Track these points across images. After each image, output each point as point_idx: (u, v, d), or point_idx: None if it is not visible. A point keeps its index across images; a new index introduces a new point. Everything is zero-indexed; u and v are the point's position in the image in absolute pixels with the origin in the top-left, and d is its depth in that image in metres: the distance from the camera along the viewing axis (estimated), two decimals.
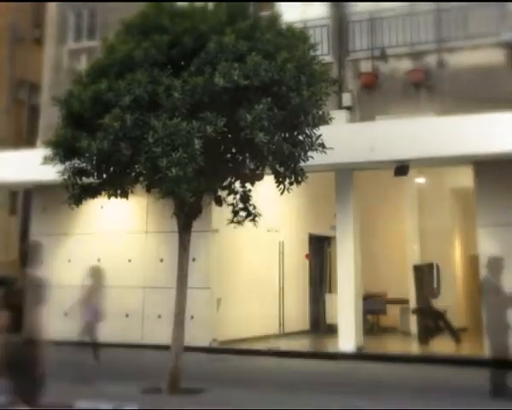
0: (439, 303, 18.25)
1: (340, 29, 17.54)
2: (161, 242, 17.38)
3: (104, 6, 20.07)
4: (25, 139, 21.29)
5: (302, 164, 11.75)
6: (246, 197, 12.03)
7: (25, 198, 21.12)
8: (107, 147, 10.79)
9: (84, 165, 11.64)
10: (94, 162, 11.39)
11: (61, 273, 18.05)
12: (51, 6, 21.47)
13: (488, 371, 11.39)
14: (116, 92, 10.92)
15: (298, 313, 20.67)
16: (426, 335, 17.60)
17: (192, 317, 15.88)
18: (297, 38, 11.78)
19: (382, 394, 11.75)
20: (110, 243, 18.36)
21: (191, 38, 11.21)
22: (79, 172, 11.90)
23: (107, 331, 17.08)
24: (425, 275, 18.30)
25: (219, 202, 12.18)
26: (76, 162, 11.72)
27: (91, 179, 12.03)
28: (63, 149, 11.54)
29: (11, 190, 21.93)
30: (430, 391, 12.06)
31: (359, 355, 15.81)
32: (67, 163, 11.79)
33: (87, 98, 11.18)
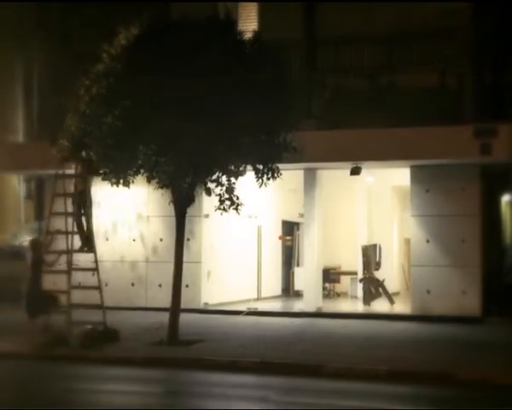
0: (379, 274, 17.57)
1: (311, 49, 16.33)
2: (161, 224, 15.93)
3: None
4: (36, 131, 18.91)
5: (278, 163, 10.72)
6: (230, 189, 10.72)
7: (37, 184, 19.01)
8: (111, 142, 9.22)
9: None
10: (99, 155, 9.70)
11: None
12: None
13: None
14: (117, 94, 9.15)
15: (272, 282, 19.57)
16: (369, 298, 16.93)
17: (187, 285, 14.68)
18: (275, 54, 10.33)
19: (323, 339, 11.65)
20: (117, 225, 16.70)
21: (185, 50, 9.49)
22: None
23: (117, 297, 15.48)
24: (370, 253, 17.55)
25: (209, 192, 10.87)
26: (83, 154, 10.02)
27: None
28: (72, 143, 9.84)
29: (25, 177, 19.67)
30: (371, 337, 12.21)
31: (318, 314, 15.31)
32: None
33: (89, 99, 9.46)
